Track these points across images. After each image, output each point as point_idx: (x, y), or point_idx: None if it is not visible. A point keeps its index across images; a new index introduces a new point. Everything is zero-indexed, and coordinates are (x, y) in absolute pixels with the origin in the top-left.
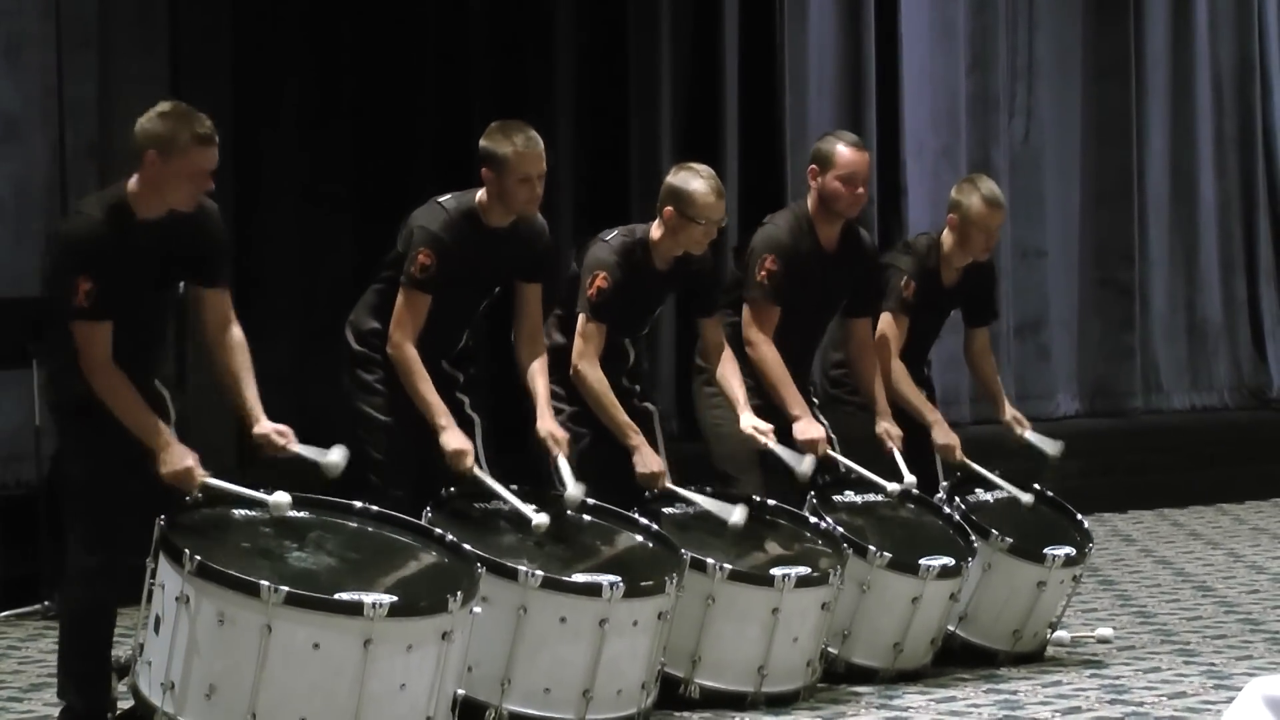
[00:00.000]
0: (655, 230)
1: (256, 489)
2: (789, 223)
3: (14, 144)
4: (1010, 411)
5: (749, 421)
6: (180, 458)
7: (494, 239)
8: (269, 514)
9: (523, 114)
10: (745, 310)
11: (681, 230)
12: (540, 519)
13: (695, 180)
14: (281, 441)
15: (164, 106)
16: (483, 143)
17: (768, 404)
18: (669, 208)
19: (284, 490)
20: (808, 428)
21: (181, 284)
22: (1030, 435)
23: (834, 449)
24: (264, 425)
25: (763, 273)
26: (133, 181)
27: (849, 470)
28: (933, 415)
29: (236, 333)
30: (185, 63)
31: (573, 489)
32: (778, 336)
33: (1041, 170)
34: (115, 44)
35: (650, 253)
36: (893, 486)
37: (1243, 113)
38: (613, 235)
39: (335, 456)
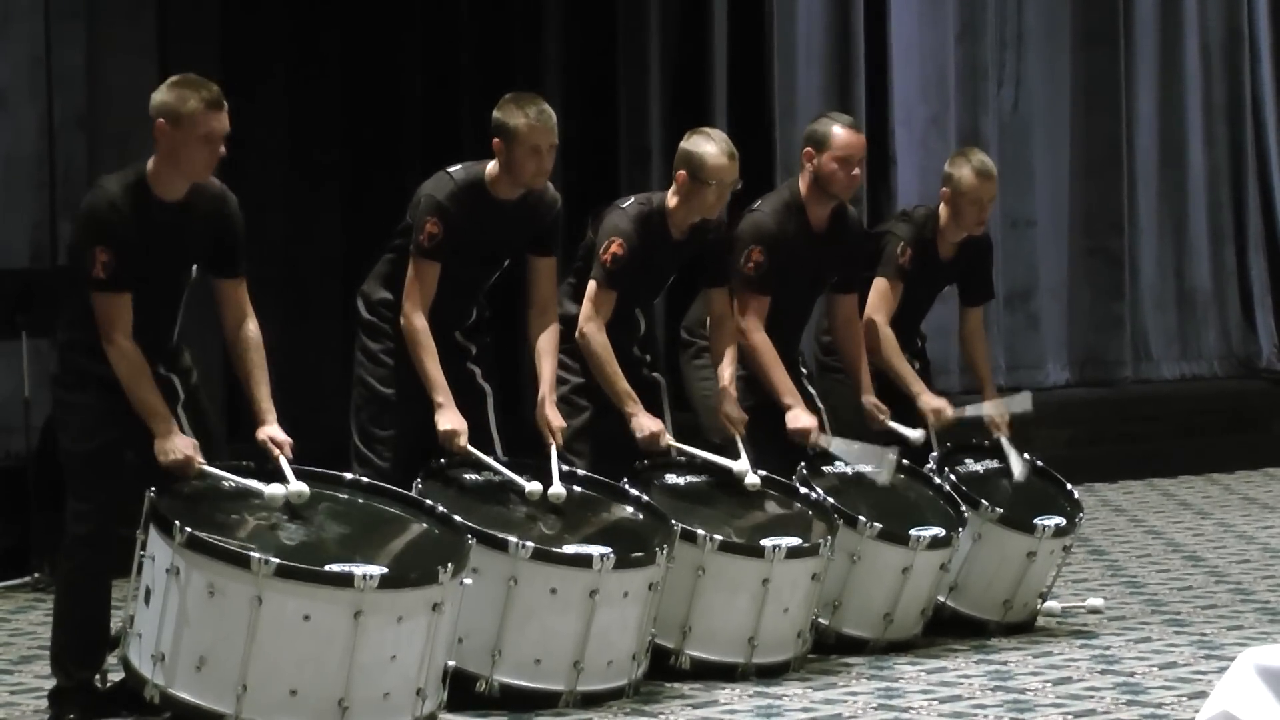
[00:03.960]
0: (671, 197)
1: (254, 477)
2: (777, 207)
3: (1, 115)
4: (990, 411)
5: (725, 409)
6: (179, 447)
7: (501, 211)
8: (264, 502)
9: (511, 84)
10: (736, 299)
11: (695, 194)
12: (534, 486)
13: (707, 143)
14: (275, 453)
15: (173, 78)
16: (495, 113)
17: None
18: (682, 172)
19: (278, 482)
20: (798, 417)
21: (194, 269)
22: (1005, 443)
23: (825, 429)
24: (266, 431)
25: (750, 264)
26: (151, 160)
27: (842, 454)
28: (917, 385)
29: (253, 328)
30: (173, 32)
31: (556, 488)
32: (769, 320)
33: (1030, 139)
34: (103, 14)
35: (667, 220)
36: (884, 469)
37: (1231, 81)
38: (629, 203)
39: (296, 488)
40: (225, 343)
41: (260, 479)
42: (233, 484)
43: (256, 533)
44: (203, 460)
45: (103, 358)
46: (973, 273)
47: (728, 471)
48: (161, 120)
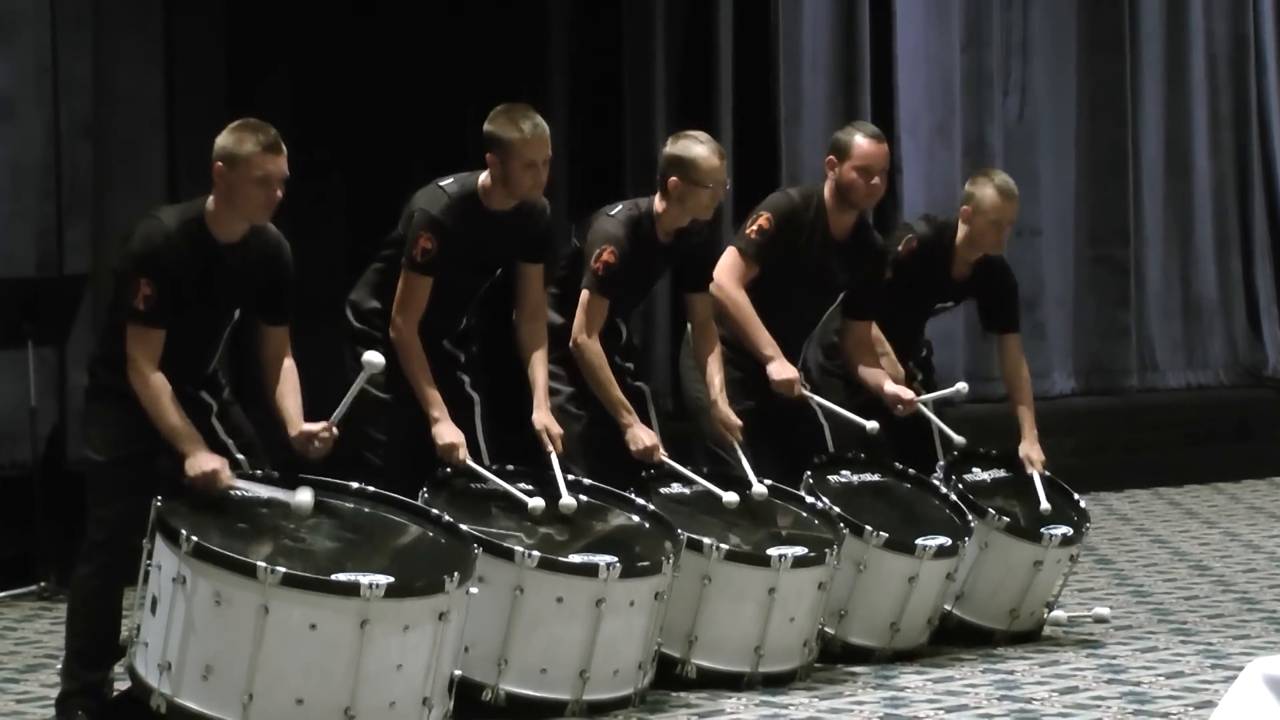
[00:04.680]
0: (659, 203)
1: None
2: (802, 194)
3: (8, 123)
4: (1026, 448)
5: (719, 415)
6: (206, 463)
7: (495, 222)
8: (293, 514)
9: (516, 89)
10: (724, 256)
11: (689, 197)
12: (536, 502)
13: (696, 146)
14: (315, 442)
15: (235, 122)
16: (487, 127)
17: (746, 374)
18: (673, 177)
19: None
20: (781, 369)
21: (238, 312)
22: (1037, 479)
23: (825, 439)
24: (296, 427)
25: (754, 227)
26: (211, 199)
27: (823, 408)
28: (892, 370)
29: (289, 364)
30: (179, 41)
31: (566, 499)
32: (773, 319)
33: (1036, 147)
34: (109, 22)
35: (655, 226)
36: (871, 425)
37: (1238, 89)
38: (617, 210)
39: (303, 498)
40: (260, 371)
41: (289, 489)
42: (251, 495)
43: (263, 542)
44: (231, 475)
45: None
46: (991, 298)
47: (717, 497)
48: (220, 162)
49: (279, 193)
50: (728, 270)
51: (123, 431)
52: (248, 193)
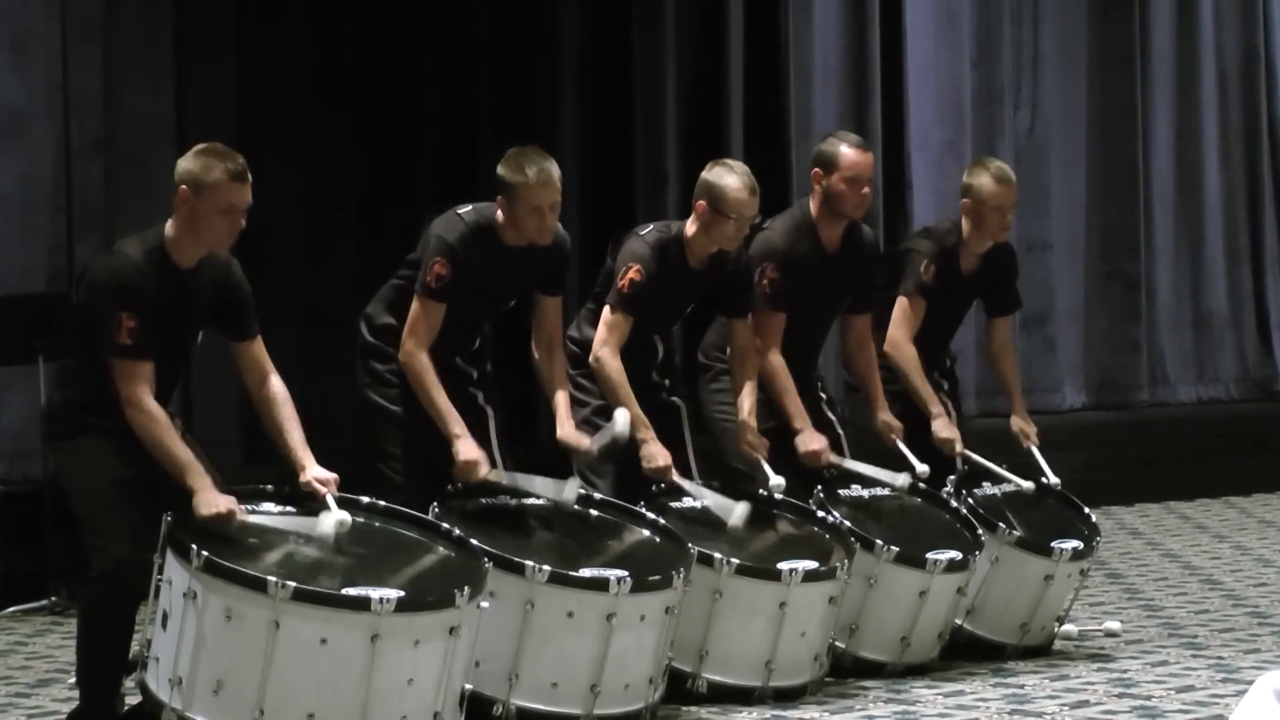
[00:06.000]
0: (690, 226)
1: (288, 503)
2: (788, 227)
3: (19, 139)
4: (1019, 422)
5: (747, 436)
6: (219, 501)
7: (510, 255)
8: (316, 535)
9: (527, 109)
10: (753, 319)
11: (714, 225)
12: (569, 494)
13: (729, 176)
14: (323, 492)
15: (200, 145)
16: (498, 169)
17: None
18: (702, 202)
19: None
20: (809, 440)
21: (200, 334)
22: (1036, 452)
23: (844, 453)
24: (309, 474)
25: (764, 281)
26: (169, 225)
27: (858, 474)
28: (936, 408)
29: (276, 384)
30: (190, 57)
31: (567, 492)
32: (787, 345)
33: (1047, 163)
34: (119, 38)
35: (685, 249)
36: (900, 480)
37: (1248, 104)
38: (648, 230)
39: (332, 521)
40: (252, 402)
41: (300, 511)
42: (249, 509)
43: (273, 556)
44: (244, 511)
45: (104, 414)
46: (997, 283)
47: (724, 512)
48: (184, 187)
49: (242, 222)
50: (761, 332)
51: (103, 459)
52: (212, 222)
